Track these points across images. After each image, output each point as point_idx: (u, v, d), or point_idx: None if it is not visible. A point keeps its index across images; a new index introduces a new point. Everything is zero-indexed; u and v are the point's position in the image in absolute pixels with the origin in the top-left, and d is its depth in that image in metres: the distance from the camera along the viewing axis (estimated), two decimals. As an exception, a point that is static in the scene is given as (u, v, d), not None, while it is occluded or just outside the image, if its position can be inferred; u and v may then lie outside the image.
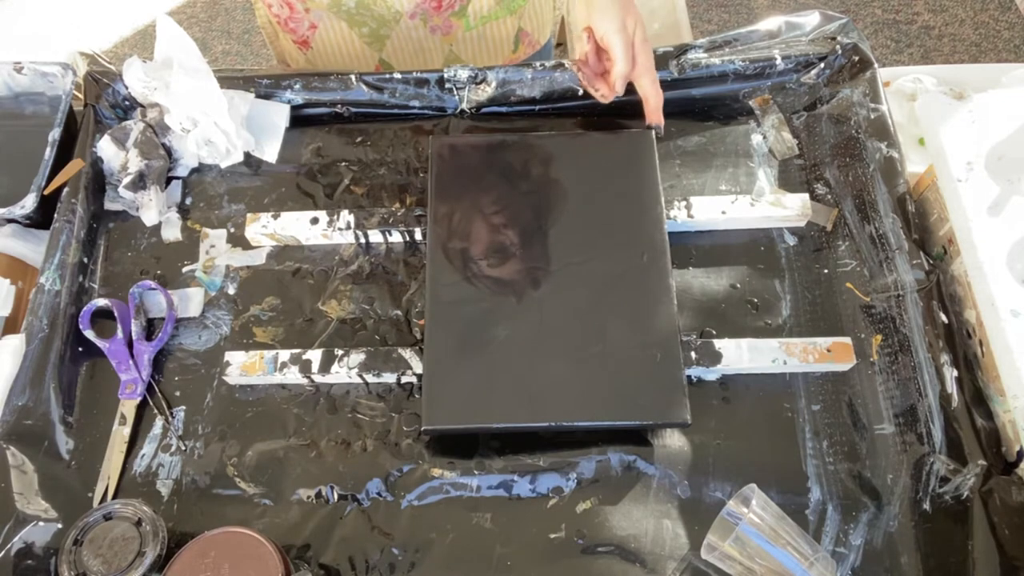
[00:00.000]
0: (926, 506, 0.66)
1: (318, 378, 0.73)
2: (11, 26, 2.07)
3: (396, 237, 0.80)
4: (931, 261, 0.74)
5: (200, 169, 0.86)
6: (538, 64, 0.84)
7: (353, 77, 0.85)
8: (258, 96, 0.86)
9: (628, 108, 0.86)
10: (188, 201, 0.84)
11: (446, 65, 0.94)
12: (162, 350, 0.76)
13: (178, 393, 0.74)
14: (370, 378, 0.73)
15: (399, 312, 0.77)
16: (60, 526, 0.67)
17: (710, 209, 0.78)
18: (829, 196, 0.81)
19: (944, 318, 0.71)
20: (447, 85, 0.85)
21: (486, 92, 0.85)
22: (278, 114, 0.86)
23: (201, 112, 0.81)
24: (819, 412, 0.71)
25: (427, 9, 0.90)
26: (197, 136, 0.82)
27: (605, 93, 0.80)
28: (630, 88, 0.84)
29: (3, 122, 0.87)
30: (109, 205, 0.83)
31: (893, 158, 0.79)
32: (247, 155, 0.85)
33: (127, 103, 0.87)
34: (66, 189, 0.80)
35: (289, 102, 0.86)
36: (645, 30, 0.78)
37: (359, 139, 0.87)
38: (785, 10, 2.03)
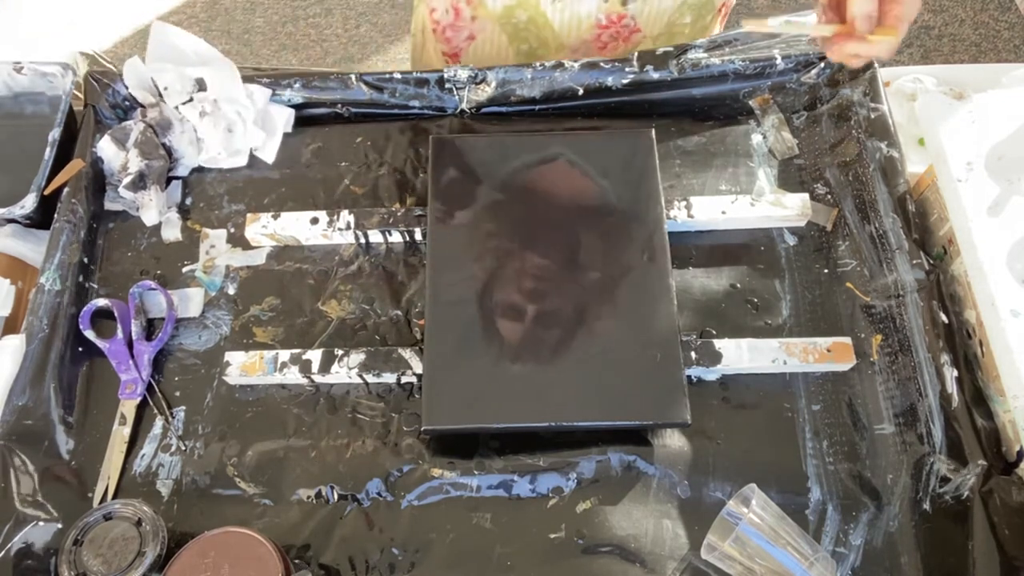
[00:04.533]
0: (926, 506, 0.66)
1: (318, 378, 0.73)
2: (11, 26, 2.07)
3: (396, 237, 0.80)
4: (931, 261, 0.74)
5: (200, 169, 0.86)
6: (538, 64, 0.84)
7: (353, 77, 0.85)
8: (258, 96, 0.86)
9: (628, 108, 0.86)
10: (188, 201, 0.84)
11: None
12: (162, 350, 0.76)
13: (178, 393, 0.74)
14: (370, 378, 0.73)
15: (399, 312, 0.77)
16: (60, 526, 0.67)
17: (710, 209, 0.78)
18: (829, 196, 0.81)
19: (944, 318, 0.71)
20: (447, 85, 0.85)
21: (486, 92, 0.85)
22: (280, 116, 0.86)
23: (226, 100, 0.82)
24: (819, 412, 0.71)
25: (592, 49, 0.89)
26: (216, 121, 0.82)
27: (852, 50, 0.61)
28: (630, 88, 0.84)
29: (3, 122, 0.87)
30: (109, 205, 0.83)
31: (893, 158, 0.79)
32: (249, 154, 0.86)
33: (127, 103, 0.87)
34: (66, 189, 0.80)
35: (289, 101, 0.86)
36: None
37: (359, 139, 0.87)
38: (785, 10, 2.03)
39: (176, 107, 0.84)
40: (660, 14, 0.88)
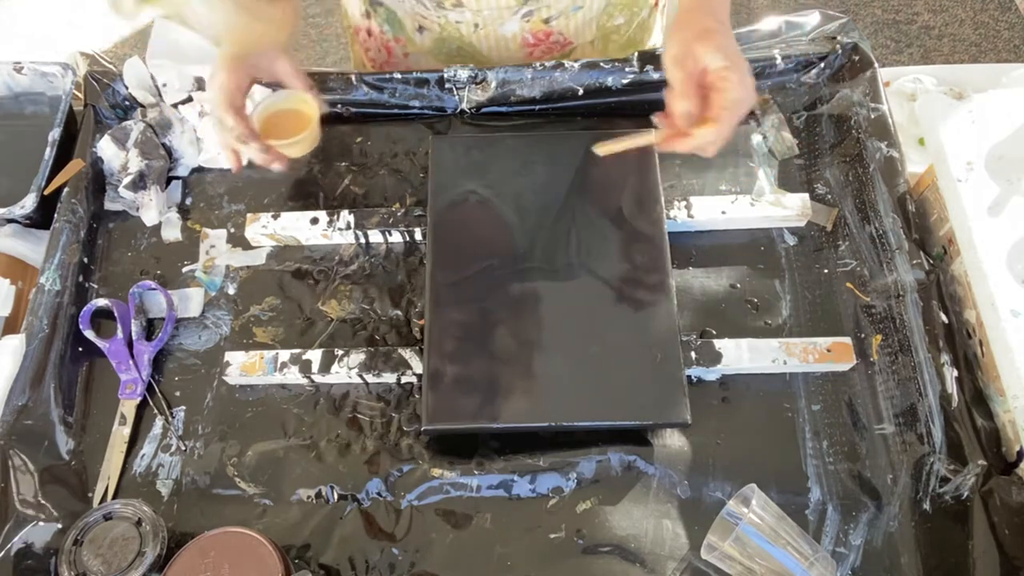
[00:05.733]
0: (926, 506, 0.66)
1: (318, 378, 0.73)
2: (11, 26, 2.07)
3: (396, 237, 0.80)
4: (931, 261, 0.74)
5: (200, 169, 0.86)
6: (538, 64, 0.84)
7: (353, 77, 0.85)
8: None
9: (628, 108, 0.86)
10: (188, 201, 0.84)
11: None
12: (162, 350, 0.76)
13: (178, 393, 0.74)
14: (370, 378, 0.73)
15: (399, 312, 0.77)
16: (60, 526, 0.67)
17: (710, 209, 0.78)
18: (829, 196, 0.81)
19: (944, 318, 0.71)
20: (447, 85, 0.85)
21: (486, 92, 0.85)
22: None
23: None
24: (819, 412, 0.71)
25: (532, 56, 0.89)
26: (215, 121, 0.82)
27: (676, 147, 0.65)
28: (630, 88, 0.84)
29: (3, 122, 0.87)
30: (109, 205, 0.83)
31: (893, 158, 0.79)
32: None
33: (127, 103, 0.87)
34: (66, 189, 0.80)
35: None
36: (741, 70, 0.62)
37: (359, 139, 0.87)
38: (785, 10, 2.03)
39: (175, 107, 0.84)
40: (587, 23, 0.87)
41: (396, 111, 0.87)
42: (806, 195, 0.79)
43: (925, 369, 0.70)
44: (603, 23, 0.88)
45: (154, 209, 0.81)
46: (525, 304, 0.72)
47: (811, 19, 0.86)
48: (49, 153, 0.80)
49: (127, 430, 0.72)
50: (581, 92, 0.84)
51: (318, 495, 0.69)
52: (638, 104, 0.86)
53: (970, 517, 0.64)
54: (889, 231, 0.76)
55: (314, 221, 0.79)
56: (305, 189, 0.84)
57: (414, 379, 0.73)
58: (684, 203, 0.78)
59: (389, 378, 0.73)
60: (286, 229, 0.79)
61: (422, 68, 0.87)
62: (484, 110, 0.87)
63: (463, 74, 0.84)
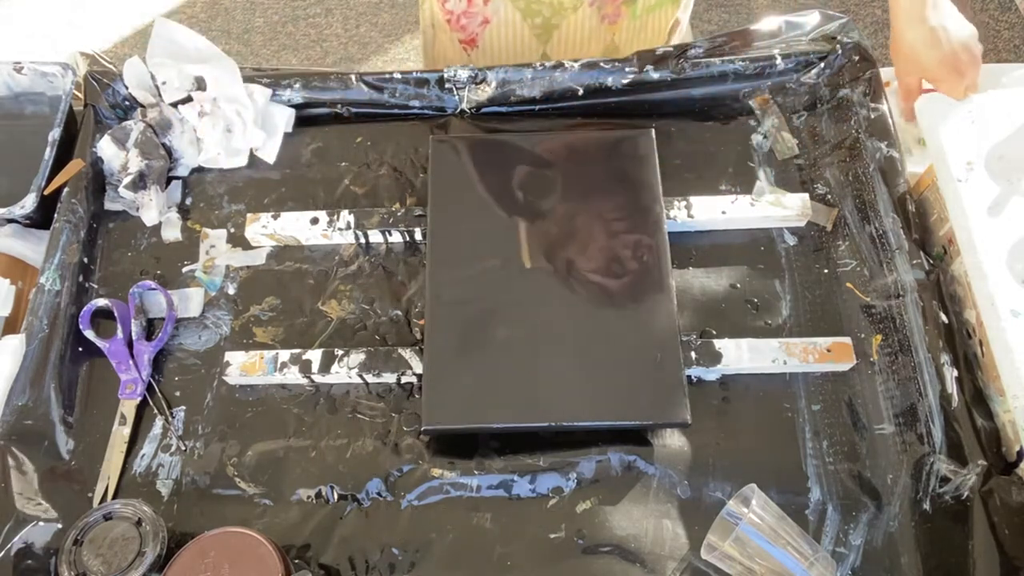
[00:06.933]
0: (926, 506, 0.66)
1: (318, 378, 0.73)
2: (11, 26, 2.07)
3: (396, 237, 0.80)
4: (931, 261, 0.74)
5: (200, 169, 0.86)
6: (538, 64, 0.84)
7: (353, 77, 0.85)
8: (258, 96, 0.86)
9: (628, 108, 0.86)
10: (188, 201, 0.84)
11: (603, 56, 0.94)
12: (162, 350, 0.76)
13: (178, 393, 0.74)
14: (370, 378, 0.73)
15: (399, 312, 0.77)
16: (60, 526, 0.67)
17: (710, 209, 0.78)
18: (829, 196, 0.81)
19: (944, 318, 0.71)
20: (447, 85, 0.85)
21: (486, 92, 0.85)
22: (280, 116, 0.86)
23: (226, 99, 0.82)
24: (819, 412, 0.71)
25: None
26: (215, 122, 0.82)
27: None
28: (630, 88, 0.84)
29: (3, 122, 0.87)
30: (109, 205, 0.83)
31: (893, 158, 0.79)
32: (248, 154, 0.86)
33: (127, 103, 0.87)
34: (66, 189, 0.80)
35: (289, 101, 0.86)
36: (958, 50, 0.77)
37: (359, 139, 0.87)
38: (785, 10, 2.02)
39: (175, 106, 0.84)
40: None
41: (396, 111, 0.87)
42: (806, 195, 0.79)
43: (925, 369, 0.70)
44: None
45: (154, 209, 0.81)
46: (525, 304, 0.72)
47: (811, 19, 0.86)
48: (49, 153, 0.79)
49: (127, 430, 0.72)
50: (581, 92, 0.85)
51: (318, 495, 0.69)
52: (638, 104, 0.86)
53: (970, 517, 0.64)
54: (889, 231, 0.76)
55: (314, 221, 0.79)
56: (305, 189, 0.84)
57: (414, 379, 0.73)
58: (684, 203, 0.78)
59: (389, 378, 0.73)
60: (286, 229, 0.79)
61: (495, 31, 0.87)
62: (484, 110, 0.87)
63: (463, 74, 0.84)
